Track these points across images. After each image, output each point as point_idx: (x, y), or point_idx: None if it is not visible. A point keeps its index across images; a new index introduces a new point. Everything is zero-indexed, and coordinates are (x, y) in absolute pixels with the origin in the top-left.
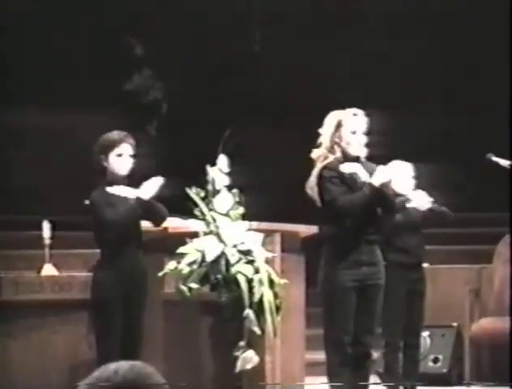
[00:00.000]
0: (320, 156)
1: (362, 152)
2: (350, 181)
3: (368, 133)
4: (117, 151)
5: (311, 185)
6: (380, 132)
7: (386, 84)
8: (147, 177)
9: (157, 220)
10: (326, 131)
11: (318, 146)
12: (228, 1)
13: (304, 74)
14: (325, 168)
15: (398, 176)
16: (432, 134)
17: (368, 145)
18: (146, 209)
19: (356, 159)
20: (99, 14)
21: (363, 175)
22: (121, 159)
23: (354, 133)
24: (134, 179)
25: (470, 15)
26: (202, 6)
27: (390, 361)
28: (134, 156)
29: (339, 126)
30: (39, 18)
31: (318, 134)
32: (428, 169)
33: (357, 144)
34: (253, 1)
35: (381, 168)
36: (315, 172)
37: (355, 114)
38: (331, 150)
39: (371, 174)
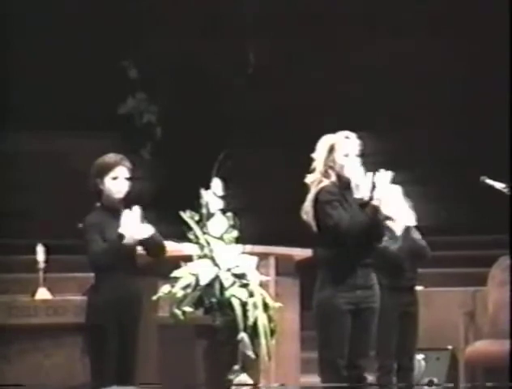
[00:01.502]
0: (314, 180)
1: (356, 176)
2: (346, 206)
3: (361, 155)
4: (112, 174)
5: (306, 209)
6: (376, 153)
7: (381, 106)
8: (140, 201)
9: (152, 252)
10: (319, 156)
11: (312, 171)
12: (221, 24)
13: (299, 97)
14: (321, 191)
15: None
16: (429, 155)
17: (364, 166)
18: (141, 242)
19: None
20: (92, 38)
21: (364, 190)
22: (117, 182)
23: (347, 156)
24: (130, 202)
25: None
26: (196, 30)
27: (383, 383)
28: (129, 179)
29: (331, 150)
30: (33, 41)
31: (313, 158)
32: (423, 192)
33: (351, 167)
34: (247, 22)
35: (378, 186)
36: (310, 196)
37: (347, 137)
38: (326, 174)
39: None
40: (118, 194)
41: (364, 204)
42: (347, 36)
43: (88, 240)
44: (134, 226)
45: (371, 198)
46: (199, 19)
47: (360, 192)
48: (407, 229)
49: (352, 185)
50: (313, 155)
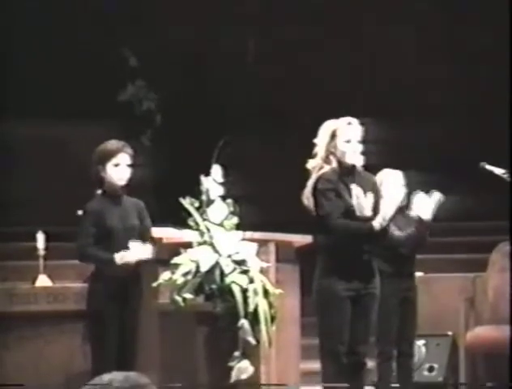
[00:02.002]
0: (315, 166)
1: (358, 161)
2: (345, 193)
3: (363, 141)
4: (114, 161)
5: (307, 195)
6: (377, 141)
7: (381, 95)
8: (141, 188)
9: None
10: (321, 141)
11: (314, 156)
12: (221, 11)
13: (299, 84)
14: (320, 178)
15: (392, 184)
16: (429, 143)
17: (364, 154)
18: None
19: (352, 168)
20: (92, 27)
21: (366, 207)
22: (119, 169)
23: (349, 142)
24: (131, 189)
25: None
26: (196, 17)
27: (383, 370)
28: (131, 166)
29: (333, 135)
30: (33, 28)
31: (314, 144)
32: (423, 178)
33: (352, 153)
34: (248, 10)
35: (383, 207)
36: (310, 182)
37: (349, 123)
38: (327, 160)
39: (366, 186)
40: (120, 181)
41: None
42: (350, 27)
43: (79, 231)
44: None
45: (372, 218)
46: (200, 7)
47: (363, 211)
48: (410, 217)
49: (354, 203)
50: (315, 140)
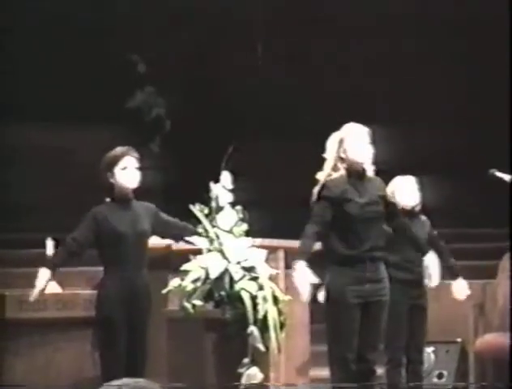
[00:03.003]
0: (324, 176)
1: (368, 161)
2: (354, 196)
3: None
4: (121, 164)
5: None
6: (382, 148)
7: (388, 100)
8: (150, 194)
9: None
10: (329, 152)
11: (323, 169)
12: (229, 16)
13: (308, 89)
14: (325, 185)
15: (405, 190)
16: (434, 150)
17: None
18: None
19: (362, 172)
20: (101, 32)
21: None
22: (127, 171)
23: (358, 142)
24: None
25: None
26: (204, 22)
27: (392, 377)
28: (139, 170)
29: (341, 141)
30: (40, 34)
31: (323, 150)
32: (431, 185)
33: (363, 151)
34: (256, 15)
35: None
36: (316, 188)
37: (355, 127)
38: (335, 168)
39: (376, 190)
40: (129, 183)
41: None
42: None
43: (79, 224)
44: None
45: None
46: (209, 13)
47: None
48: (413, 216)
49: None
50: (324, 154)
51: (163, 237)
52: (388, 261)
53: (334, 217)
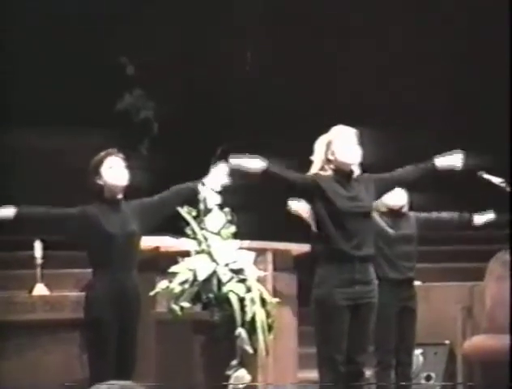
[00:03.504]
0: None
1: (357, 161)
2: (341, 192)
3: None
4: (106, 164)
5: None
6: (375, 148)
7: (381, 103)
8: (138, 196)
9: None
10: (317, 154)
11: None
12: (218, 22)
13: (299, 92)
14: (314, 178)
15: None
16: (427, 150)
17: (363, 161)
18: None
19: (350, 173)
20: (90, 35)
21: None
22: (113, 170)
23: (346, 143)
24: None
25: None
26: (193, 26)
27: (382, 379)
28: (127, 168)
29: (329, 143)
30: (31, 38)
31: (311, 153)
32: (421, 187)
33: (351, 152)
34: (245, 20)
35: None
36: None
37: (343, 129)
38: (322, 169)
39: (365, 187)
40: (117, 181)
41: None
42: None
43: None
44: None
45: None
46: (198, 15)
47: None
48: (401, 216)
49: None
50: (312, 157)
51: (170, 211)
52: (378, 259)
53: (322, 214)
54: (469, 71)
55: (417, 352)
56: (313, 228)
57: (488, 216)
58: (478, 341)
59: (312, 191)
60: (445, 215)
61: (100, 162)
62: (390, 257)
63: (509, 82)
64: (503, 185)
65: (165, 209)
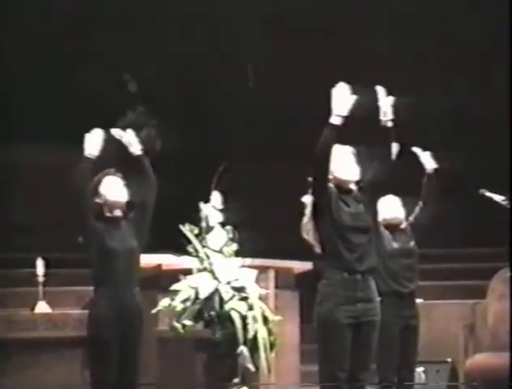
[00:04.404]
0: (310, 198)
1: (355, 179)
2: (343, 207)
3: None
4: (104, 183)
5: (307, 228)
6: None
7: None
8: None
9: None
10: None
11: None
12: (219, 37)
13: (300, 109)
14: None
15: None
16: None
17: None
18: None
19: (349, 190)
20: (92, 50)
21: None
22: (112, 187)
23: (344, 162)
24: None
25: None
26: (194, 44)
27: None
28: (126, 187)
29: None
30: (34, 55)
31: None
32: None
33: (349, 169)
34: (245, 36)
35: None
36: (308, 212)
37: (341, 148)
38: None
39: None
40: (116, 197)
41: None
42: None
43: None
44: None
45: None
46: (200, 31)
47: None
48: (400, 231)
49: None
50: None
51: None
52: (380, 281)
53: (325, 229)
54: (469, 75)
55: (419, 369)
56: (317, 249)
57: (498, 197)
58: (480, 359)
59: (328, 195)
60: None
61: (99, 182)
62: (394, 269)
63: (510, 81)
64: (504, 202)
65: (147, 200)
